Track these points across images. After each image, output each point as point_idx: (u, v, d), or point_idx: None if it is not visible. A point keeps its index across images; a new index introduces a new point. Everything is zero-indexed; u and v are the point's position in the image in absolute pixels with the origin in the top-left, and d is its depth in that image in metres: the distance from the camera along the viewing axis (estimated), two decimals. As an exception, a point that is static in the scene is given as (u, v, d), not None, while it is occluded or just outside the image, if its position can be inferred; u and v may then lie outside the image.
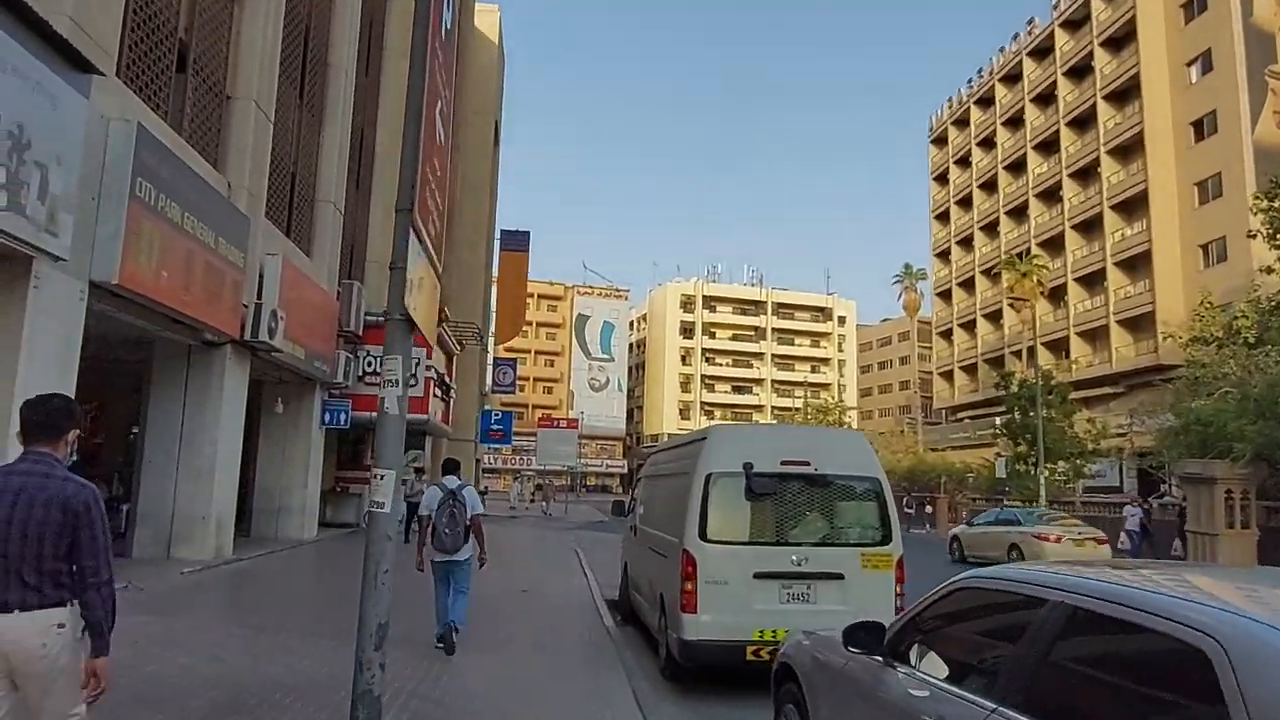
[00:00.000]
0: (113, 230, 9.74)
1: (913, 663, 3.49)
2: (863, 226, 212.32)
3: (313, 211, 19.04)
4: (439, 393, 24.52)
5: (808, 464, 7.34)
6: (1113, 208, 46.61)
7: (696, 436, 8.37)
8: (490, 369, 44.71)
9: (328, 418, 19.51)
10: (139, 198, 10.06)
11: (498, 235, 45.00)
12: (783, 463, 7.30)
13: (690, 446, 8.27)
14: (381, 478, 4.89)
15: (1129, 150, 45.90)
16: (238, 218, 13.44)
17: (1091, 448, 34.37)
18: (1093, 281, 48.66)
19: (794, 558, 7.09)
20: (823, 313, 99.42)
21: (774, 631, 6.87)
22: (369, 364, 21.90)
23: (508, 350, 58.55)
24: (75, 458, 3.64)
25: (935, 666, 3.38)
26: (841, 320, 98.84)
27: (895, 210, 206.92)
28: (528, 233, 45.23)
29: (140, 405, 13.91)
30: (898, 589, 7.22)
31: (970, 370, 60.94)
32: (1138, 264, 44.73)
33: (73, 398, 3.43)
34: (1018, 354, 51.90)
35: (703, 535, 7.11)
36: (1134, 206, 45.28)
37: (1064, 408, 34.90)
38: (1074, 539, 20.94)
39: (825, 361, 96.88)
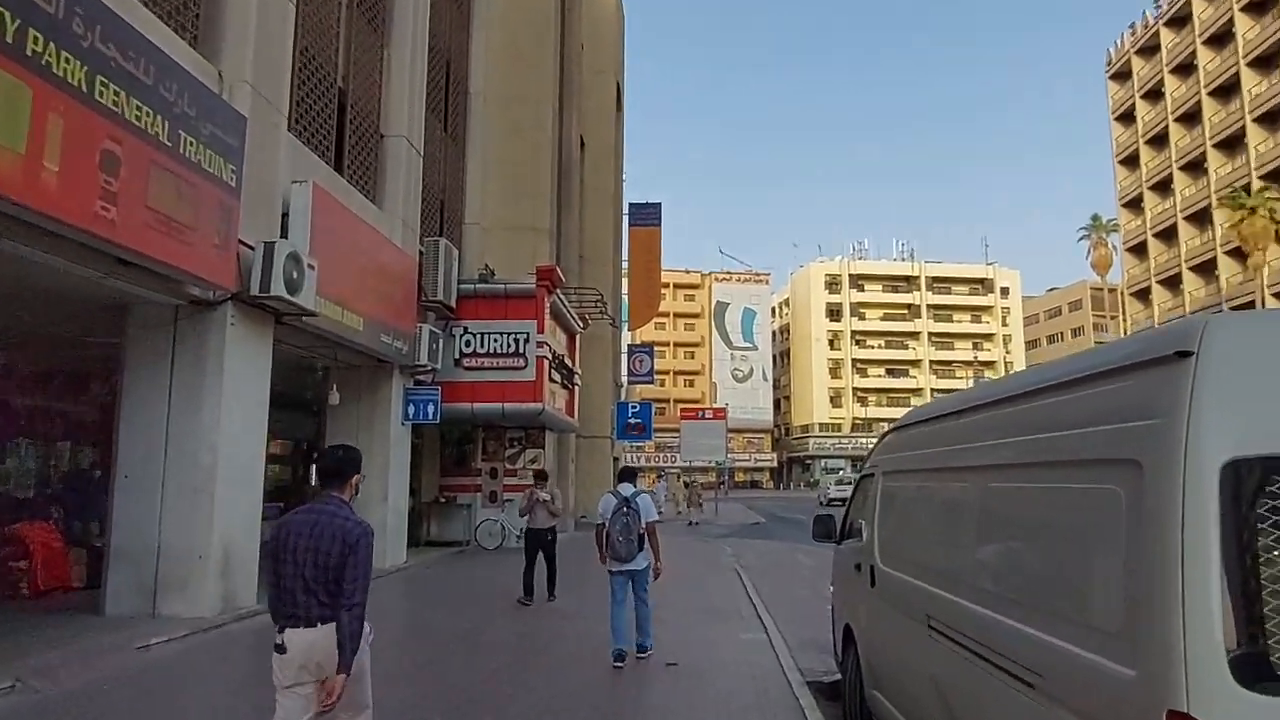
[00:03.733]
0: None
1: None
2: (1020, 191, 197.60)
3: (379, 148, 14.93)
4: (558, 377, 20.02)
5: None
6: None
7: (1135, 354, 2.54)
8: (625, 357, 40.07)
9: (411, 411, 15.27)
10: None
11: (625, 212, 40.37)
12: None
13: (1100, 387, 2.68)
14: None
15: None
16: (227, 115, 9.23)
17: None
18: (1344, 214, 39.63)
19: None
20: (983, 284, 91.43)
21: None
22: (466, 343, 17.67)
23: (644, 342, 54.17)
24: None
25: None
26: (1005, 291, 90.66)
27: (1058, 168, 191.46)
28: (658, 204, 40.32)
29: (114, 399, 9.97)
30: None
31: (1178, 334, 51.84)
32: None
33: (353, 447, 3.98)
34: (1242, 309, 43.19)
35: (1247, 658, 1.93)
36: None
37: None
38: None
39: (988, 338, 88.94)
